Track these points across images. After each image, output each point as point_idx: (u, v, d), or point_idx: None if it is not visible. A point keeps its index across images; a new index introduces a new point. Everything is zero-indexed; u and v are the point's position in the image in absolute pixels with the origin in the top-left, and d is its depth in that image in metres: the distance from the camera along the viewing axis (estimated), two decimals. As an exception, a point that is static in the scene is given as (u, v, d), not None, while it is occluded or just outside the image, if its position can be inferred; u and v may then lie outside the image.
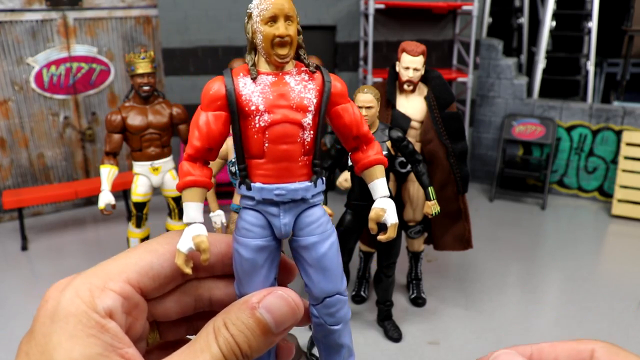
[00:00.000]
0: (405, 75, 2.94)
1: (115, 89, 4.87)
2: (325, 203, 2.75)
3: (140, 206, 3.43)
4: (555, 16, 5.52)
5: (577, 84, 5.93)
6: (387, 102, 2.98)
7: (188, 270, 0.47)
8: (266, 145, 0.51)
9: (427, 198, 2.78)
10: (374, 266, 3.51)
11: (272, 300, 0.46)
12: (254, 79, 0.51)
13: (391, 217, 0.56)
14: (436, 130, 2.94)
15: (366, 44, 4.75)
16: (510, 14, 6.24)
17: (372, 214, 0.56)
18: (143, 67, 3.21)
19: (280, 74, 0.52)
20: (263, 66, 0.52)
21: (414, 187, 3.09)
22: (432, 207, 2.78)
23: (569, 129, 5.17)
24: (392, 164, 2.75)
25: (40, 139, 4.68)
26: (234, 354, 0.43)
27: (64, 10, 4.49)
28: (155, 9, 4.78)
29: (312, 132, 0.52)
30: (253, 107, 0.50)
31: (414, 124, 3.01)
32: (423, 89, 3.04)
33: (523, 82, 5.25)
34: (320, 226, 0.53)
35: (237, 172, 0.53)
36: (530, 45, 6.01)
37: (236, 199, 2.87)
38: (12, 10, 4.31)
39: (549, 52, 5.60)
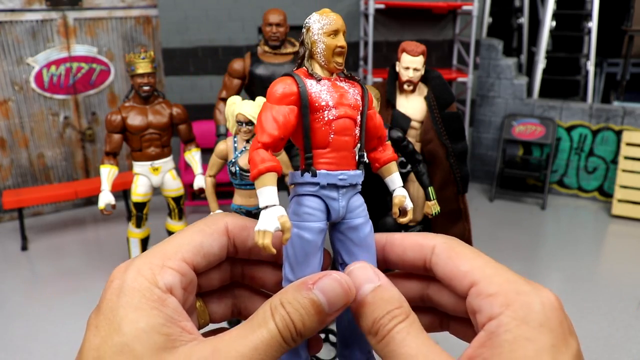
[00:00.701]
0: (405, 75, 2.94)
1: (115, 89, 4.87)
2: None
3: (140, 206, 3.43)
4: (555, 16, 5.52)
5: (577, 84, 5.93)
6: (387, 102, 2.99)
7: (273, 250, 0.51)
8: (332, 136, 0.59)
9: (427, 198, 2.78)
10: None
11: (327, 282, 0.49)
12: (318, 81, 0.60)
13: (409, 203, 0.68)
14: (436, 130, 2.94)
15: (366, 44, 4.75)
16: (510, 14, 6.24)
17: (396, 200, 0.67)
18: (143, 67, 3.21)
19: (333, 79, 0.61)
20: (318, 71, 0.62)
21: (414, 187, 3.09)
22: (432, 207, 2.78)
23: (569, 129, 5.17)
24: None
25: (40, 139, 4.68)
26: (289, 330, 0.46)
27: (64, 10, 4.49)
28: (155, 9, 4.78)
29: (358, 128, 0.62)
30: (323, 103, 0.58)
31: (414, 124, 3.01)
32: (423, 89, 3.04)
33: (523, 82, 5.25)
34: (364, 210, 0.62)
35: (302, 161, 0.60)
36: (530, 45, 6.01)
37: (236, 199, 2.87)
38: (12, 10, 4.31)
39: (549, 52, 5.61)
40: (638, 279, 3.76)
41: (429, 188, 2.76)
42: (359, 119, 0.61)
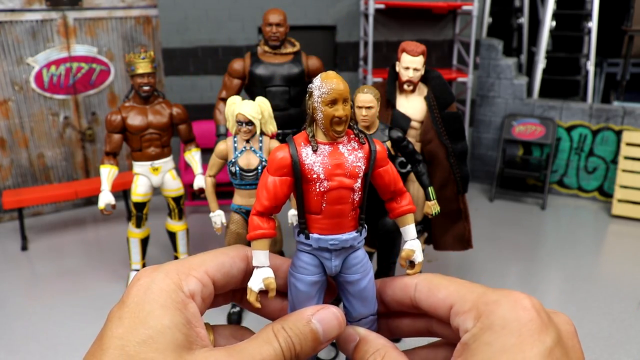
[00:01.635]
0: (405, 75, 2.94)
1: (115, 89, 4.87)
2: None
3: (140, 206, 3.43)
4: (555, 16, 5.52)
5: (577, 84, 5.93)
6: (387, 102, 2.98)
7: (258, 305, 0.59)
8: (324, 205, 0.61)
9: (427, 198, 2.78)
10: (374, 266, 3.51)
11: (324, 314, 0.56)
12: (315, 151, 0.61)
13: (419, 257, 0.69)
14: (436, 130, 2.94)
15: (366, 44, 4.75)
16: (510, 14, 6.24)
17: (404, 254, 0.68)
18: (143, 67, 3.21)
19: (335, 143, 0.62)
20: (320, 136, 0.62)
21: (414, 187, 3.09)
22: (432, 207, 2.78)
23: (569, 129, 5.17)
24: (392, 164, 2.75)
25: (40, 139, 4.68)
26: (290, 351, 0.51)
27: (64, 10, 4.49)
28: (155, 9, 4.78)
29: (360, 192, 0.63)
30: (315, 175, 0.60)
31: (414, 124, 3.01)
32: (423, 89, 3.04)
33: (523, 82, 5.25)
34: (363, 266, 0.66)
35: (296, 223, 0.65)
36: (530, 45, 6.01)
37: (236, 199, 2.87)
38: (12, 10, 4.31)
39: (549, 52, 5.60)
40: (638, 279, 3.76)
41: (429, 188, 2.76)
42: (359, 185, 0.62)
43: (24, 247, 4.16)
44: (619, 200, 4.85)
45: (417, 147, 3.04)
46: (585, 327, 3.18)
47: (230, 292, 0.64)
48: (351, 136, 0.63)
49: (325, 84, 0.60)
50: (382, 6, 4.47)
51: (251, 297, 0.59)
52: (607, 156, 5.08)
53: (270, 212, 0.62)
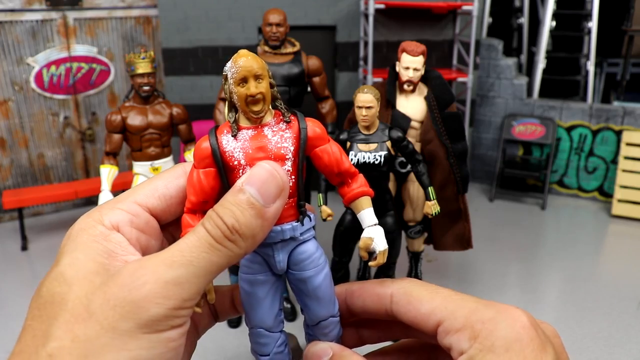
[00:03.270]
0: (405, 75, 2.94)
1: (115, 89, 4.87)
2: (325, 203, 2.76)
3: (140, 206, 3.43)
4: (555, 16, 5.52)
5: (577, 84, 5.93)
6: (387, 102, 2.98)
7: (199, 310, 0.53)
8: None
9: (427, 198, 2.78)
10: (374, 269, 3.51)
11: (254, 171, 0.48)
12: (234, 136, 0.56)
13: (379, 245, 0.60)
14: (436, 130, 2.94)
15: (366, 44, 4.75)
16: (510, 14, 6.24)
17: (361, 243, 0.60)
18: (143, 67, 3.20)
19: (260, 126, 0.56)
20: (244, 121, 0.57)
21: (414, 187, 3.09)
22: (432, 207, 2.78)
23: (569, 129, 5.17)
24: (392, 164, 2.75)
25: (40, 139, 4.68)
26: (218, 228, 0.43)
27: (64, 10, 4.48)
28: (155, 9, 4.78)
29: (293, 177, 0.56)
30: (236, 162, 0.55)
31: (414, 124, 3.01)
32: (423, 89, 3.04)
33: (523, 82, 5.25)
34: (313, 261, 0.59)
35: None
36: (530, 45, 6.01)
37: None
38: (12, 10, 4.31)
39: (549, 52, 5.60)
40: (638, 279, 3.76)
41: (429, 188, 2.76)
42: (289, 167, 0.56)
43: (24, 247, 4.16)
44: (619, 201, 4.85)
45: (417, 147, 3.04)
46: (585, 327, 3.18)
47: None
48: (280, 117, 0.57)
49: (234, 64, 0.55)
50: (382, 6, 4.47)
51: None
52: (607, 156, 5.08)
53: (200, 208, 0.56)
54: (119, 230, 0.46)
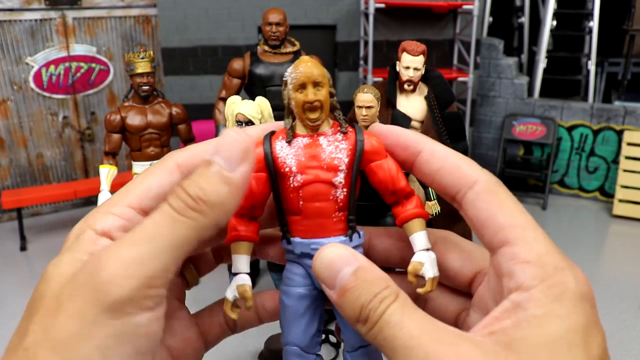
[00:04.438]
0: (405, 74, 2.93)
1: (114, 89, 4.86)
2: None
3: (139, 206, 3.42)
4: (556, 15, 5.51)
5: (578, 83, 5.91)
6: (388, 101, 2.97)
7: (233, 316, 0.51)
8: (301, 203, 0.54)
9: (428, 198, 2.77)
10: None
11: (219, 140, 0.45)
12: (289, 142, 0.55)
13: (429, 271, 0.55)
14: (437, 130, 2.93)
15: (366, 43, 4.74)
16: (511, 14, 6.23)
17: (410, 267, 0.55)
18: (142, 66, 3.19)
19: (315, 135, 0.55)
20: (300, 129, 0.56)
21: (415, 187, 3.07)
22: (433, 207, 2.77)
23: (570, 129, 5.15)
24: (393, 161, 2.74)
25: (39, 139, 4.67)
26: (181, 200, 0.41)
27: (63, 9, 4.47)
28: (154, 9, 4.77)
29: (345, 189, 0.54)
30: (287, 169, 0.54)
31: (414, 123, 3.00)
32: (423, 89, 3.03)
33: (524, 81, 5.24)
34: None
35: (281, 227, 0.57)
36: (531, 45, 6.00)
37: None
38: (11, 10, 4.30)
39: (549, 51, 5.59)
40: (639, 279, 3.75)
41: (430, 188, 2.75)
42: (342, 180, 0.54)
43: (23, 247, 4.14)
44: (620, 200, 4.84)
45: (418, 147, 3.03)
46: (587, 328, 3.17)
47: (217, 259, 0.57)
48: (337, 128, 0.56)
49: (294, 70, 0.54)
50: (382, 5, 4.46)
51: (226, 308, 0.52)
52: (608, 156, 5.06)
53: (249, 213, 0.55)
54: (110, 236, 0.45)
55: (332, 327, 2.75)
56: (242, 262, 0.54)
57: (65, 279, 0.40)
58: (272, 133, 0.56)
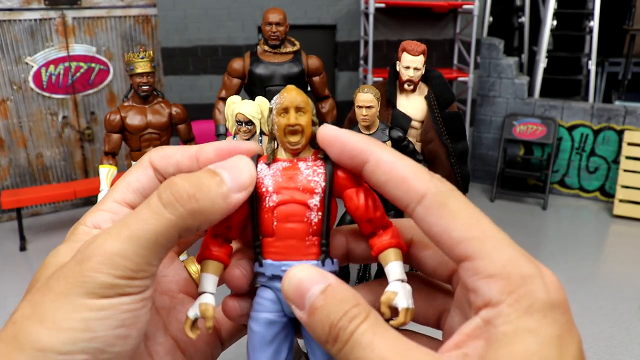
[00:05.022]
0: (405, 74, 2.92)
1: (114, 89, 4.85)
2: None
3: (139, 206, 3.41)
4: (556, 15, 5.50)
5: (578, 83, 5.91)
6: (388, 101, 2.97)
7: (192, 335, 0.50)
8: (275, 223, 0.54)
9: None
10: (374, 266, 3.50)
11: (226, 161, 0.47)
12: (268, 164, 0.56)
13: (402, 302, 0.52)
14: (437, 130, 2.93)
15: (366, 43, 4.73)
16: (511, 13, 6.22)
17: (384, 297, 0.53)
18: (142, 66, 3.19)
19: (295, 160, 0.56)
20: (281, 154, 0.57)
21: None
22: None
23: (570, 129, 5.15)
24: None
25: (39, 139, 4.66)
26: (173, 194, 0.42)
27: (62, 9, 4.47)
28: (154, 8, 4.76)
29: (319, 213, 0.54)
30: (264, 189, 0.54)
31: (414, 123, 3.00)
32: (423, 89, 3.02)
33: (524, 81, 5.23)
34: None
35: (254, 249, 0.56)
36: (531, 45, 5.99)
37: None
38: (11, 10, 4.30)
39: (550, 51, 5.58)
40: (639, 279, 3.75)
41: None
42: (317, 202, 0.54)
43: (23, 247, 4.14)
44: (621, 201, 4.83)
45: (418, 147, 3.02)
46: (587, 328, 3.16)
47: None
48: (318, 155, 0.56)
49: (279, 96, 0.56)
50: (382, 5, 4.45)
51: (185, 326, 0.50)
52: (608, 156, 5.06)
53: (223, 233, 0.55)
54: (100, 228, 0.48)
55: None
56: (209, 281, 0.53)
57: (58, 265, 0.43)
58: (259, 156, 0.56)
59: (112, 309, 0.40)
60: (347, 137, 0.49)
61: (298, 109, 0.55)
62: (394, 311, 0.52)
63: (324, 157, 0.55)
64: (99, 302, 0.39)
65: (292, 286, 0.45)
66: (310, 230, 0.54)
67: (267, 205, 0.54)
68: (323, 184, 0.54)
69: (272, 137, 0.57)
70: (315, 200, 0.54)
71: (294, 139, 0.55)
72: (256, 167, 0.54)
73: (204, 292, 0.52)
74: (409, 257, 0.53)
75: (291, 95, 0.55)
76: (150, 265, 0.41)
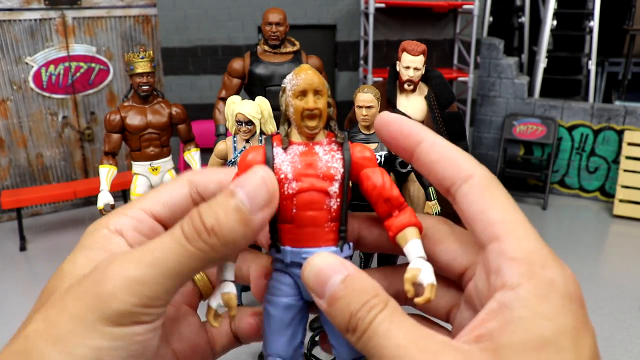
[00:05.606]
0: (405, 74, 2.92)
1: (114, 89, 4.85)
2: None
3: (139, 206, 3.41)
4: (556, 15, 5.50)
5: (578, 83, 5.91)
6: (388, 101, 2.97)
7: (215, 325, 0.50)
8: (294, 211, 0.53)
9: (428, 198, 2.76)
10: (374, 266, 3.50)
11: (245, 177, 0.45)
12: (285, 149, 0.54)
13: (427, 277, 0.52)
14: (437, 129, 2.93)
15: (366, 43, 4.73)
16: (511, 13, 6.22)
17: (408, 274, 0.52)
18: (142, 66, 3.19)
19: (311, 144, 0.55)
20: (295, 136, 0.56)
21: (414, 187, 3.07)
22: (433, 207, 2.76)
23: (570, 129, 5.15)
24: (392, 164, 2.74)
25: (39, 139, 4.66)
26: (194, 229, 0.41)
27: (62, 9, 4.47)
28: (154, 8, 4.76)
29: (338, 199, 0.54)
30: (282, 176, 0.53)
31: (414, 123, 3.00)
32: (424, 89, 3.02)
33: (524, 81, 5.23)
34: None
35: (271, 235, 0.56)
36: (531, 45, 5.99)
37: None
38: (11, 10, 4.29)
39: (550, 51, 5.58)
40: (639, 279, 3.75)
41: (430, 188, 2.75)
42: (336, 189, 0.53)
43: (23, 248, 4.14)
44: (621, 201, 4.83)
45: (418, 147, 3.02)
46: (587, 328, 3.17)
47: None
48: (332, 139, 0.56)
49: (295, 76, 0.54)
50: (382, 5, 4.45)
51: (208, 315, 0.50)
52: (608, 156, 5.06)
53: None
54: (122, 234, 0.47)
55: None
56: (228, 270, 0.53)
57: (77, 277, 0.42)
58: (271, 136, 0.55)
59: (124, 339, 0.39)
60: (404, 119, 0.51)
61: (316, 92, 0.54)
62: (418, 289, 0.52)
63: (341, 141, 0.54)
64: (113, 331, 0.39)
65: (312, 275, 0.46)
66: (330, 216, 0.54)
67: (286, 192, 0.53)
68: (342, 170, 0.54)
69: (286, 119, 0.56)
70: (335, 187, 0.53)
71: (312, 123, 0.54)
72: (272, 150, 0.53)
73: (224, 281, 0.52)
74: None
75: (309, 77, 0.54)
76: (168, 293, 0.41)
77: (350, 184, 0.56)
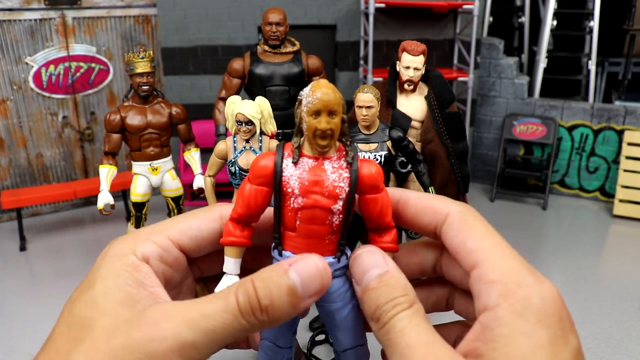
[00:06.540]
0: (405, 74, 2.92)
1: (114, 89, 4.85)
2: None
3: (139, 206, 3.41)
4: (556, 15, 5.50)
5: (578, 83, 5.91)
6: (388, 101, 2.97)
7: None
8: (297, 223, 0.56)
9: (428, 198, 2.77)
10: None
11: (304, 264, 0.48)
12: (295, 163, 0.56)
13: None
14: (437, 130, 2.92)
15: (366, 43, 4.73)
16: (511, 13, 6.22)
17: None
18: (142, 66, 3.19)
19: (321, 158, 0.57)
20: (307, 148, 0.57)
21: (415, 187, 3.07)
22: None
23: (570, 129, 5.15)
24: (392, 164, 2.74)
25: (39, 139, 4.66)
26: (249, 304, 0.44)
27: (62, 9, 4.47)
28: (154, 8, 4.76)
29: (340, 216, 0.57)
30: (290, 190, 0.55)
31: (414, 123, 3.00)
32: (424, 89, 3.02)
33: (524, 81, 5.23)
34: (339, 296, 0.60)
35: (274, 239, 0.59)
36: (531, 45, 5.99)
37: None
38: (11, 10, 4.29)
39: (550, 51, 5.58)
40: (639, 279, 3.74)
41: (430, 188, 2.74)
42: (340, 207, 0.55)
43: (23, 248, 4.14)
44: (621, 201, 4.83)
45: (418, 147, 3.02)
46: (587, 328, 3.16)
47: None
48: (343, 153, 0.57)
49: (311, 93, 0.55)
50: (382, 5, 4.45)
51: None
52: (608, 156, 5.05)
53: (245, 221, 0.57)
54: (149, 262, 0.49)
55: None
56: (234, 264, 0.56)
57: (117, 316, 0.43)
58: (284, 145, 0.57)
59: None
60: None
61: (331, 112, 0.55)
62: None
63: (351, 161, 0.56)
64: None
65: (357, 263, 0.52)
66: (331, 230, 0.57)
67: (291, 206, 0.55)
68: (347, 189, 0.56)
69: (299, 131, 0.57)
70: (338, 205, 0.56)
71: (323, 142, 0.55)
72: (282, 161, 0.55)
73: (230, 274, 0.57)
74: (398, 216, 0.59)
75: (325, 96, 0.54)
76: (210, 354, 0.44)
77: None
